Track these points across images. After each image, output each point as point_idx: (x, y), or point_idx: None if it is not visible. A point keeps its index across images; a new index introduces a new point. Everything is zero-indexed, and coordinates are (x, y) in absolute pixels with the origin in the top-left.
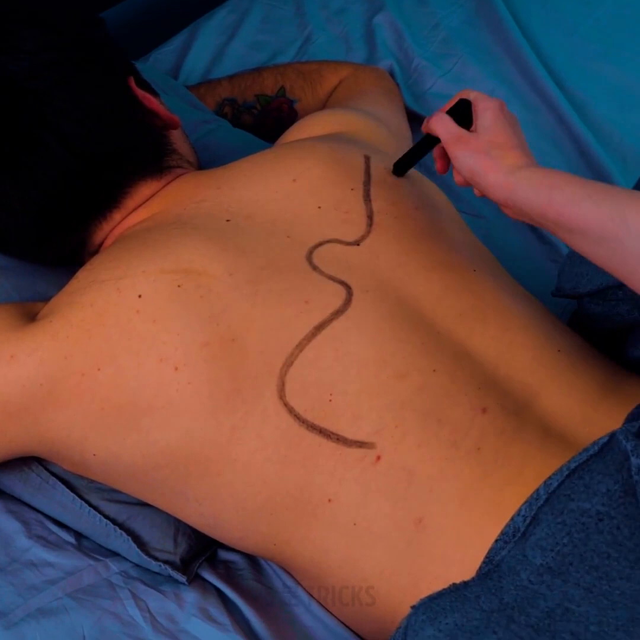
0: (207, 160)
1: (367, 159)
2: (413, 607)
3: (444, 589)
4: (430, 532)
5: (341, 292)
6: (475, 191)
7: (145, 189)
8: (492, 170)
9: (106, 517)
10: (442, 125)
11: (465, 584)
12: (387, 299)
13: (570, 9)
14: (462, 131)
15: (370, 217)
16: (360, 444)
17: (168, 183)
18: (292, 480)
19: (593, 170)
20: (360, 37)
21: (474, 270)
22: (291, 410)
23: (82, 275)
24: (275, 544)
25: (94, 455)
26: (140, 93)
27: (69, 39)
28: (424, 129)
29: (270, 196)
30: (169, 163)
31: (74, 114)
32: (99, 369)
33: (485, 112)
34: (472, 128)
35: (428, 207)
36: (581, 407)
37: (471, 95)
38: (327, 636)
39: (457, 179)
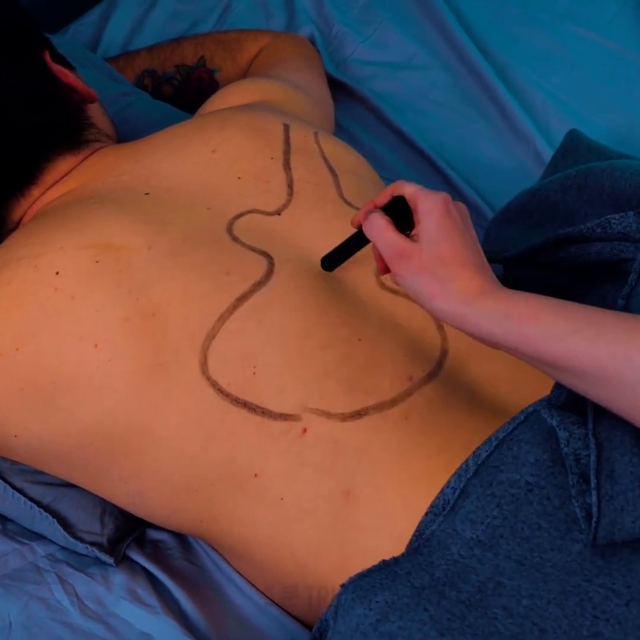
0: (128, 132)
1: (286, 128)
2: (342, 585)
3: (373, 566)
4: (359, 504)
5: (262, 262)
6: None
7: (63, 164)
8: (440, 297)
9: (31, 499)
10: (378, 234)
11: (395, 560)
12: (309, 268)
13: None
14: (402, 244)
15: (290, 185)
16: (286, 417)
17: (86, 157)
18: (217, 455)
19: (517, 135)
20: (280, 5)
21: None
22: (214, 385)
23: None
24: (202, 521)
25: (16, 436)
26: (56, 68)
27: None
28: (354, 224)
29: (190, 168)
30: (86, 137)
31: None
32: (17, 349)
33: (429, 217)
34: (414, 232)
35: (349, 173)
36: (511, 373)
37: (406, 191)
38: (258, 614)
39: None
